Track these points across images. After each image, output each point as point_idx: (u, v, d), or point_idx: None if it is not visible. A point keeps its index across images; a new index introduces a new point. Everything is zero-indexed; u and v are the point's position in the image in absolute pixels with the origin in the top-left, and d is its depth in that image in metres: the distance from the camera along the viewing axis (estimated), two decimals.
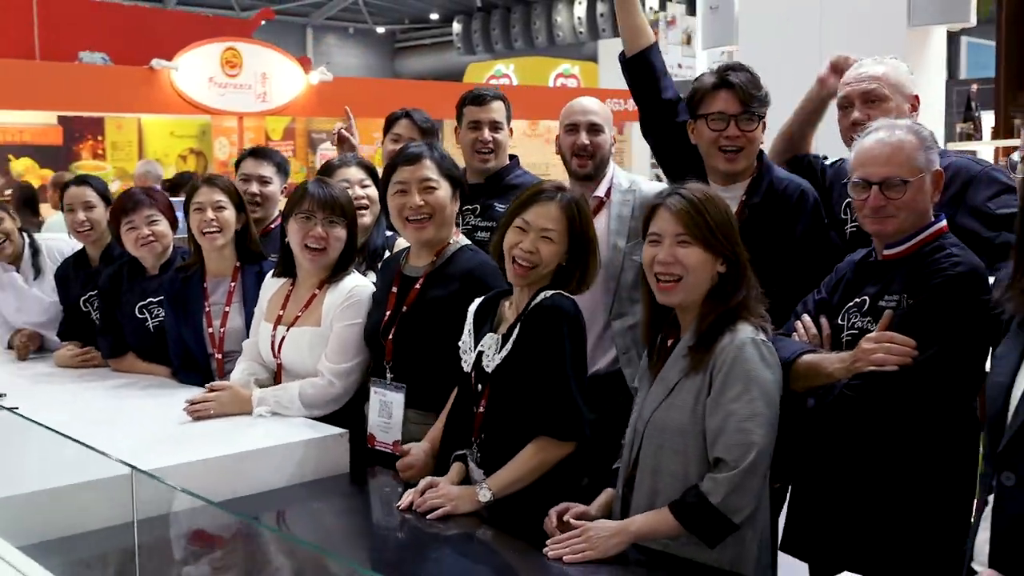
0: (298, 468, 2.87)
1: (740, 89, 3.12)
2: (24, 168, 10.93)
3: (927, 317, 2.47)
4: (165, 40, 10.58)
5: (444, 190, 3.09)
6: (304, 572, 2.18)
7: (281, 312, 3.35)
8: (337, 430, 2.99)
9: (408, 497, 2.65)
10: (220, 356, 3.63)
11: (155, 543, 2.32)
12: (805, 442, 2.72)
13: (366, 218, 3.80)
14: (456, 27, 23.17)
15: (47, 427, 2.37)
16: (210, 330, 3.66)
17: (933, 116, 5.41)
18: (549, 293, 2.68)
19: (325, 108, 10.53)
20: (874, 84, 3.09)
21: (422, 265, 3.13)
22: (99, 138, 11.65)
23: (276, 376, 3.33)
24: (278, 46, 21.29)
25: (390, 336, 3.07)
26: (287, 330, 3.29)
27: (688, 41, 12.56)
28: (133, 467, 2.12)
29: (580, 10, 22.36)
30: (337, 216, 3.27)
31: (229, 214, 3.67)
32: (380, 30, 24.23)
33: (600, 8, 21.68)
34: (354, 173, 3.88)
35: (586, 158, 3.66)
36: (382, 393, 3.07)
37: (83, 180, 4.41)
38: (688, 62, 12.05)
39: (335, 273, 3.32)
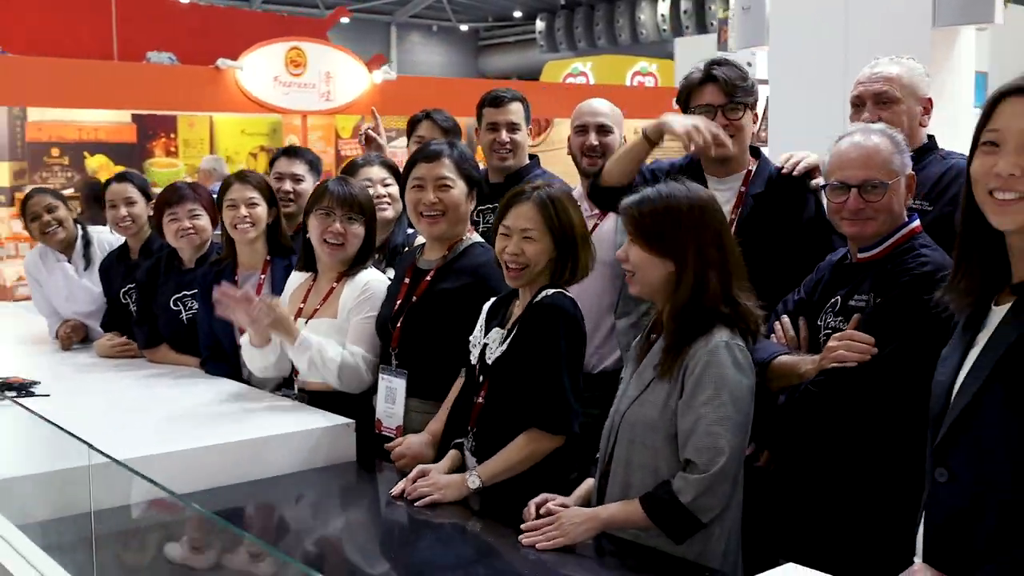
0: (307, 456, 3.01)
1: (725, 82, 3.23)
2: (98, 165, 11.32)
3: (889, 314, 2.52)
4: (236, 39, 10.89)
5: (459, 189, 3.21)
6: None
7: (302, 304, 3.52)
8: (344, 420, 3.13)
9: (400, 485, 2.77)
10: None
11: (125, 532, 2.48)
12: (773, 437, 2.79)
13: (387, 213, 3.98)
14: (539, 25, 23.29)
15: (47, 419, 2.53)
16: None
17: (964, 116, 5.35)
18: (550, 292, 2.80)
19: (389, 106, 10.66)
20: (886, 86, 3.12)
21: (435, 259, 3.27)
22: (171, 136, 11.99)
23: (294, 368, 3.47)
24: (361, 44, 21.67)
25: (398, 324, 3.21)
26: (306, 322, 3.44)
27: None
28: (103, 451, 2.25)
29: (664, 7, 22.26)
30: (355, 213, 3.42)
31: (261, 210, 3.86)
32: (463, 28, 24.46)
33: (683, 5, 21.54)
34: (376, 172, 4.06)
35: (596, 157, 3.79)
36: (388, 380, 3.23)
37: (124, 177, 4.64)
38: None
39: (353, 267, 3.47)
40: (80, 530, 2.37)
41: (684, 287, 2.46)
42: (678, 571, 2.34)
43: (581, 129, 3.87)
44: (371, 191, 3.79)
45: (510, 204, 2.85)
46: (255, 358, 3.52)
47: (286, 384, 3.62)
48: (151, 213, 4.44)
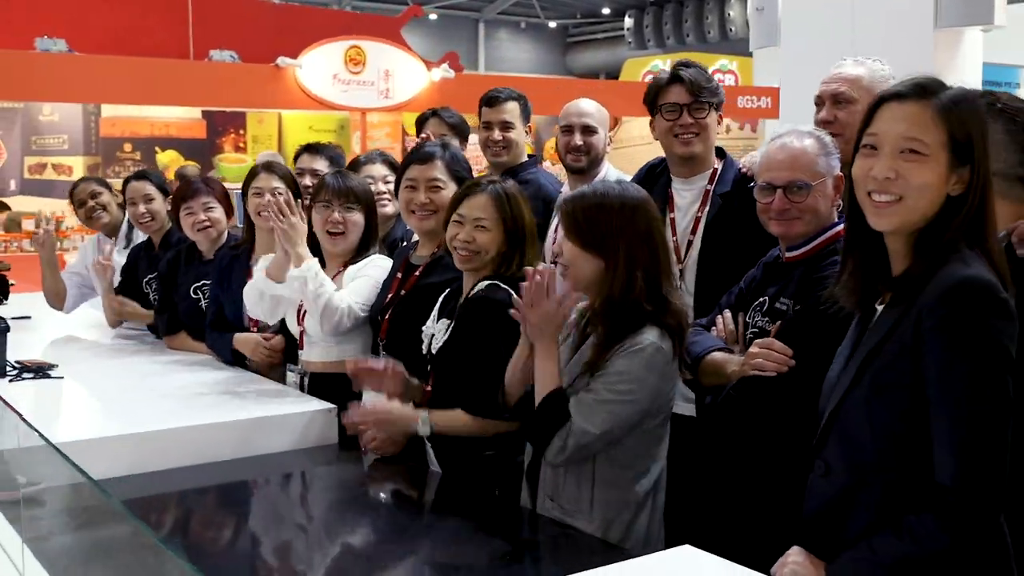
0: (286, 439, 3.15)
1: (690, 82, 3.36)
2: (169, 160, 11.82)
3: (807, 323, 2.59)
4: (305, 37, 11.19)
5: (450, 190, 3.33)
6: None
7: None
8: (327, 405, 3.27)
9: (354, 411, 2.95)
10: (255, 329, 3.98)
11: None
12: (701, 437, 2.92)
13: (388, 208, 4.18)
14: (628, 22, 23.24)
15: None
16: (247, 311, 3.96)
17: None
18: (484, 284, 2.93)
19: (448, 104, 10.88)
20: (844, 87, 3.21)
21: (426, 255, 3.42)
22: (241, 132, 12.44)
23: (299, 343, 3.65)
24: (448, 41, 21.94)
25: (387, 316, 3.36)
26: None
27: None
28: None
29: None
30: (353, 203, 3.61)
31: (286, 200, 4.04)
32: (552, 25, 24.55)
33: None
34: (378, 169, 4.28)
35: (580, 154, 4.01)
36: None
37: (142, 175, 4.90)
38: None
39: (358, 254, 3.66)
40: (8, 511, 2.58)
41: (614, 284, 2.54)
42: (597, 552, 2.43)
43: (567, 129, 4.06)
44: (372, 187, 3.95)
45: (465, 195, 3.00)
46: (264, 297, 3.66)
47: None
48: (170, 208, 4.69)
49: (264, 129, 12.52)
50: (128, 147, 11.82)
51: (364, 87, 10.95)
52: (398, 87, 11.11)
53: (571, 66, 25.02)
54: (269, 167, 4.09)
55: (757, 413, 2.64)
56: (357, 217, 3.61)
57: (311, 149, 4.63)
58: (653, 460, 2.60)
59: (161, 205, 4.74)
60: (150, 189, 4.75)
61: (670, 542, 2.64)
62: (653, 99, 3.44)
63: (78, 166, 11.64)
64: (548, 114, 9.31)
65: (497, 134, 4.34)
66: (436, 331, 3.01)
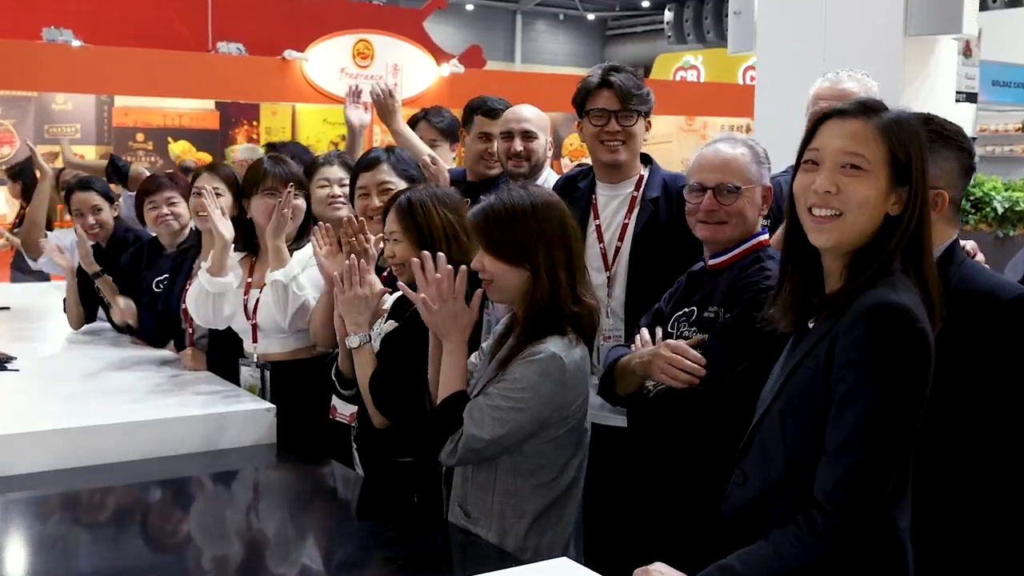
0: (217, 438, 3.21)
1: (620, 88, 3.31)
2: (181, 150, 11.97)
3: (737, 333, 2.61)
4: (322, 29, 11.27)
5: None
6: None
7: (250, 279, 3.74)
8: (265, 404, 3.35)
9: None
10: (191, 330, 4.05)
11: None
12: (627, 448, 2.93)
13: (342, 212, 4.13)
14: (667, 15, 23.06)
15: None
16: (184, 305, 4.03)
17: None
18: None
19: (457, 100, 10.88)
20: (838, 104, 3.19)
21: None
22: (254, 123, 12.55)
23: (252, 336, 3.69)
24: (485, 33, 21.91)
25: None
26: (260, 292, 3.66)
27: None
28: None
29: None
30: (298, 188, 3.67)
31: (225, 200, 4.00)
32: (591, 17, 24.46)
33: None
34: (335, 172, 4.26)
35: (521, 160, 4.03)
36: None
37: (86, 185, 4.88)
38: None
39: (297, 239, 3.70)
40: None
41: (539, 291, 2.55)
42: (489, 560, 2.43)
43: (507, 135, 4.08)
44: (327, 191, 3.98)
45: (385, 212, 3.06)
46: (206, 297, 3.69)
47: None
48: (117, 214, 4.81)
49: (278, 121, 12.63)
50: (140, 137, 11.98)
51: (371, 81, 10.95)
52: (407, 82, 11.14)
53: (610, 59, 24.85)
54: (212, 168, 4.14)
55: (677, 422, 2.67)
56: (301, 203, 3.68)
57: (329, 161, 4.65)
58: (558, 470, 2.59)
59: (108, 214, 4.79)
60: (97, 200, 4.77)
61: (590, 554, 2.69)
62: (582, 102, 3.42)
63: (90, 155, 11.81)
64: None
65: (495, 147, 4.29)
66: (384, 330, 3.04)
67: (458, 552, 2.57)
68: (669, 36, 23.05)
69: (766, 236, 2.80)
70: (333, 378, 3.16)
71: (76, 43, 10.05)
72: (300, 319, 3.56)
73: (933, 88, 5.18)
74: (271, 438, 3.25)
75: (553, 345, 2.49)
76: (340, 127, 12.60)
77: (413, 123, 4.80)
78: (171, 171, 5.54)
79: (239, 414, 3.27)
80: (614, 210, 3.41)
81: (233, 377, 3.73)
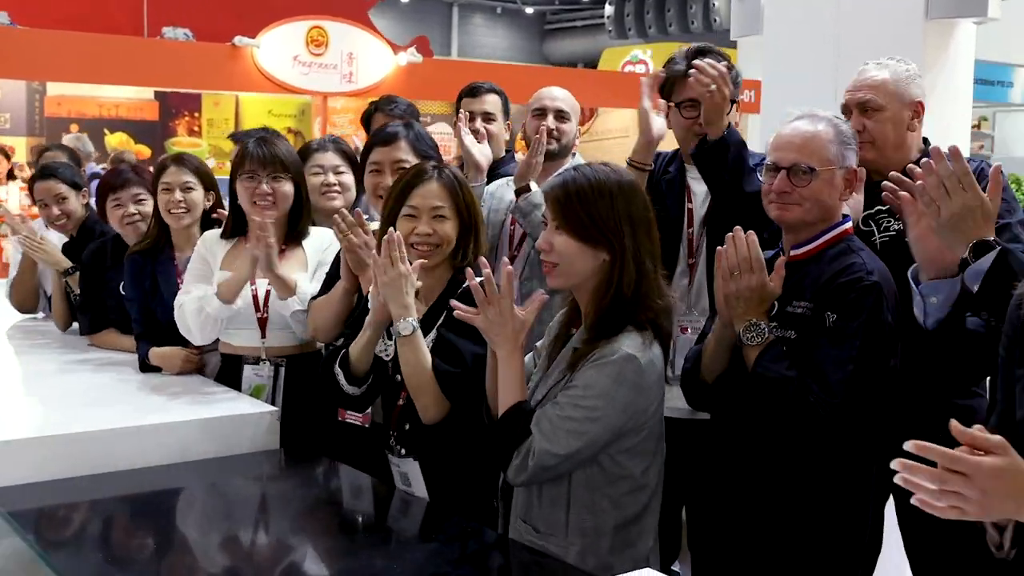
0: (218, 444, 3.01)
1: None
2: (118, 143, 11.63)
3: (851, 337, 2.53)
4: (268, 15, 11.02)
5: None
6: None
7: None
8: (268, 408, 3.18)
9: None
10: None
11: None
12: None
13: (336, 202, 4.02)
14: (608, 9, 23.13)
15: None
16: None
17: (960, 108, 5.27)
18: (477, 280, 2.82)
19: (415, 90, 10.74)
20: (869, 94, 3.17)
21: None
22: (195, 114, 12.26)
23: (262, 331, 3.50)
24: (420, 25, 21.79)
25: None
26: (267, 281, 3.46)
27: None
28: None
29: None
30: (280, 172, 3.48)
31: (196, 195, 3.85)
32: (529, 10, 24.45)
33: None
34: (329, 159, 4.11)
35: (551, 138, 3.92)
36: None
37: (49, 173, 4.65)
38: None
39: (292, 228, 3.54)
40: None
41: (626, 278, 2.41)
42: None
43: (539, 112, 4.02)
44: (320, 178, 3.90)
45: (413, 184, 2.86)
46: (207, 319, 3.50)
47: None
48: (85, 202, 4.57)
49: (220, 112, 12.36)
50: (75, 128, 11.60)
51: (326, 70, 10.80)
52: (363, 71, 10.96)
53: (548, 54, 24.93)
54: (179, 160, 3.91)
55: (792, 432, 2.59)
56: (287, 187, 3.50)
57: (323, 147, 4.34)
58: (637, 481, 2.46)
59: (76, 203, 4.55)
60: (61, 188, 4.54)
61: (666, 560, 2.57)
62: (670, 91, 3.38)
63: (20, 147, 11.42)
64: (523, 103, 9.13)
65: (478, 124, 4.23)
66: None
67: (520, 571, 2.42)
68: (610, 31, 23.13)
69: (849, 225, 2.71)
70: (337, 371, 2.88)
71: (3, 23, 9.67)
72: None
73: (952, 74, 5.20)
74: (274, 443, 3.07)
75: (627, 345, 2.37)
76: (287, 119, 12.41)
77: (367, 117, 4.71)
78: (135, 164, 5.29)
79: (241, 419, 3.07)
80: (705, 193, 3.40)
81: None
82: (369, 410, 3.12)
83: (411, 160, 3.25)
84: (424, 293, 2.78)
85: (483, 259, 2.54)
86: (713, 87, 3.11)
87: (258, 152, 3.48)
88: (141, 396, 3.36)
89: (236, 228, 3.60)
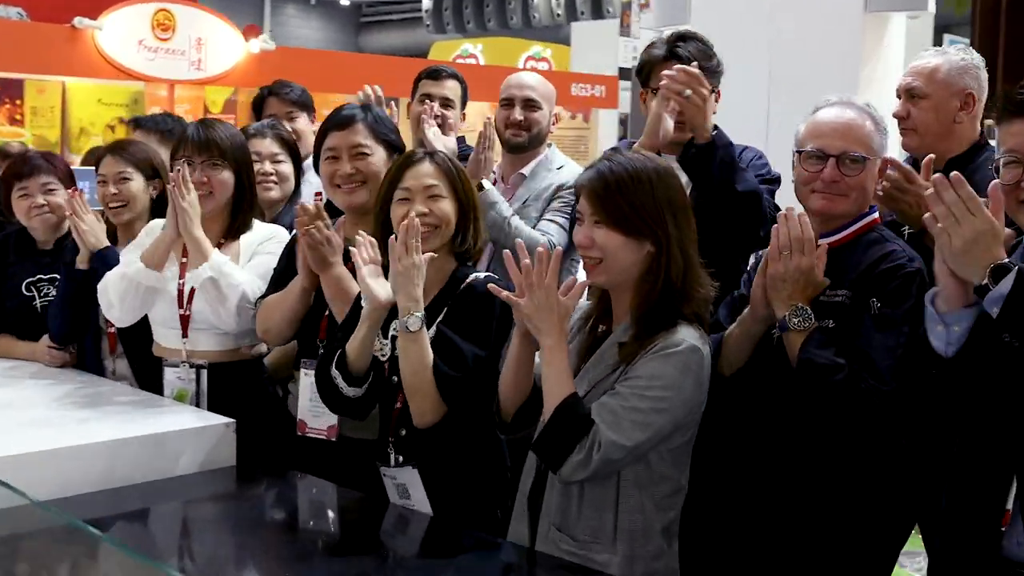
0: (172, 462, 2.76)
1: (688, 60, 3.17)
2: None
3: (900, 323, 2.47)
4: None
5: (378, 156, 3.07)
6: None
7: (184, 260, 3.26)
8: (223, 420, 2.89)
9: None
10: (112, 329, 3.54)
11: None
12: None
13: (273, 193, 3.86)
14: (426, 3, 23.01)
15: None
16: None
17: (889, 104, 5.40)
18: (482, 275, 2.69)
19: (267, 79, 10.31)
20: (918, 80, 3.19)
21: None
22: (17, 102, 11.39)
23: (183, 330, 3.24)
24: (231, 14, 21.04)
25: (326, 312, 2.99)
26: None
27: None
28: None
29: None
30: (218, 158, 3.26)
31: (134, 185, 3.58)
32: (344, 2, 24.06)
33: None
34: (267, 146, 3.92)
35: (520, 129, 3.87)
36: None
37: None
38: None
39: (234, 219, 3.31)
40: None
41: (673, 269, 2.32)
42: None
43: (507, 103, 3.93)
44: (257, 167, 3.67)
45: (404, 167, 2.74)
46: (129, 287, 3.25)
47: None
48: None
49: (45, 100, 11.51)
50: None
51: (173, 56, 10.25)
52: (212, 58, 10.46)
53: (364, 48, 24.57)
54: (116, 149, 3.65)
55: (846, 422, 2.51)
56: (225, 175, 3.30)
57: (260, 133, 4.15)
58: (677, 484, 2.40)
59: None
60: None
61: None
62: (647, 76, 3.29)
63: None
64: (340, 92, 9.05)
65: (436, 109, 4.12)
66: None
67: None
68: (428, 25, 23.03)
69: (876, 214, 2.69)
70: (334, 374, 2.71)
71: None
72: (242, 316, 3.17)
73: (887, 69, 5.33)
74: (231, 459, 2.85)
75: (689, 336, 2.31)
76: (117, 108, 11.72)
77: (260, 102, 4.60)
78: (49, 152, 4.87)
79: (190, 433, 2.82)
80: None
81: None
82: (335, 422, 2.95)
83: (370, 144, 3.09)
84: (424, 285, 2.63)
85: (520, 242, 2.43)
86: (688, 92, 3.02)
87: (196, 135, 3.28)
88: (58, 411, 3.04)
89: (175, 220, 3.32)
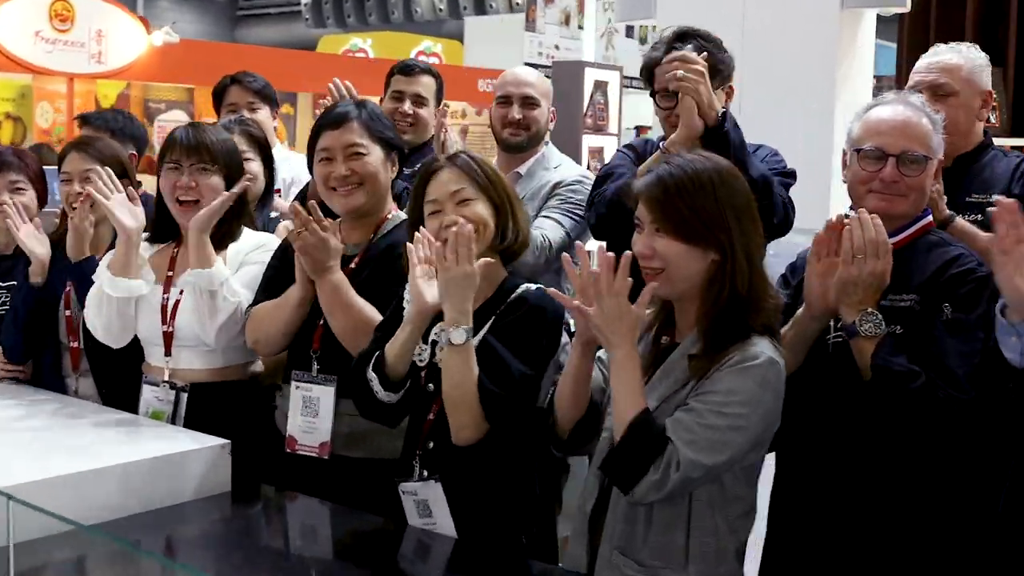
0: (162, 491, 2.56)
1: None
2: None
3: (975, 328, 2.42)
4: None
5: (375, 155, 2.93)
6: None
7: (170, 273, 3.11)
8: (219, 441, 2.71)
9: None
10: (76, 345, 3.35)
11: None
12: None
13: None
14: None
15: None
16: (68, 313, 3.37)
17: (865, 98, 5.44)
18: (533, 287, 2.55)
19: (169, 73, 9.99)
20: (945, 77, 3.15)
21: (359, 242, 2.95)
22: None
23: (166, 347, 3.08)
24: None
25: (320, 322, 2.83)
26: (180, 292, 3.05)
27: (567, 21, 12.40)
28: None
29: None
30: (208, 163, 3.09)
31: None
32: None
33: None
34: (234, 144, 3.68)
35: (519, 128, 3.82)
36: (306, 388, 2.86)
37: None
38: (568, 44, 11.90)
39: (221, 227, 3.11)
40: None
41: (739, 277, 2.22)
42: None
43: (504, 100, 3.86)
44: None
45: (426, 180, 2.62)
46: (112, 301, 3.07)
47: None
48: None
49: None
50: None
51: (72, 48, 9.76)
52: (112, 51, 10.00)
53: (241, 40, 24.03)
54: (81, 145, 3.46)
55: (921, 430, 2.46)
56: (214, 181, 3.14)
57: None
58: (749, 504, 2.33)
59: None
60: None
61: None
62: (650, 75, 3.21)
63: None
64: None
65: (408, 106, 4.11)
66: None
67: None
68: (307, 19, 22.62)
69: (931, 217, 2.66)
70: (371, 376, 2.60)
71: None
72: (229, 332, 3.04)
73: (861, 66, 5.37)
74: (226, 484, 2.70)
75: (766, 348, 2.23)
76: (5, 103, 11.16)
77: (220, 91, 4.51)
78: (19, 148, 4.56)
79: (186, 456, 2.65)
80: None
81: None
82: (328, 439, 2.85)
83: (365, 143, 2.96)
84: None
85: (579, 243, 2.35)
86: (680, 72, 2.97)
87: (184, 138, 3.12)
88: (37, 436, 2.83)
89: (164, 230, 3.23)
